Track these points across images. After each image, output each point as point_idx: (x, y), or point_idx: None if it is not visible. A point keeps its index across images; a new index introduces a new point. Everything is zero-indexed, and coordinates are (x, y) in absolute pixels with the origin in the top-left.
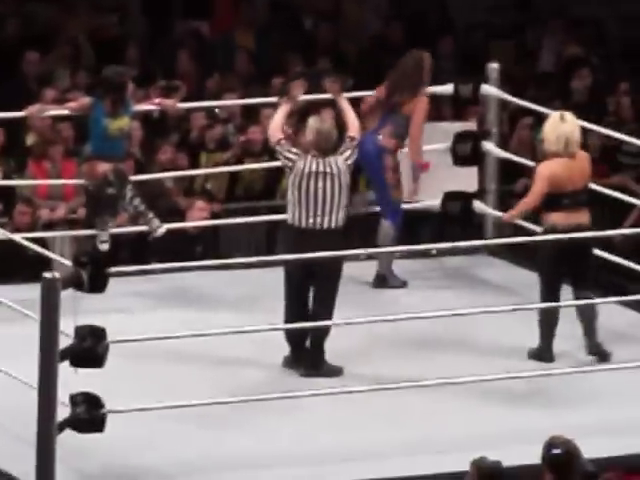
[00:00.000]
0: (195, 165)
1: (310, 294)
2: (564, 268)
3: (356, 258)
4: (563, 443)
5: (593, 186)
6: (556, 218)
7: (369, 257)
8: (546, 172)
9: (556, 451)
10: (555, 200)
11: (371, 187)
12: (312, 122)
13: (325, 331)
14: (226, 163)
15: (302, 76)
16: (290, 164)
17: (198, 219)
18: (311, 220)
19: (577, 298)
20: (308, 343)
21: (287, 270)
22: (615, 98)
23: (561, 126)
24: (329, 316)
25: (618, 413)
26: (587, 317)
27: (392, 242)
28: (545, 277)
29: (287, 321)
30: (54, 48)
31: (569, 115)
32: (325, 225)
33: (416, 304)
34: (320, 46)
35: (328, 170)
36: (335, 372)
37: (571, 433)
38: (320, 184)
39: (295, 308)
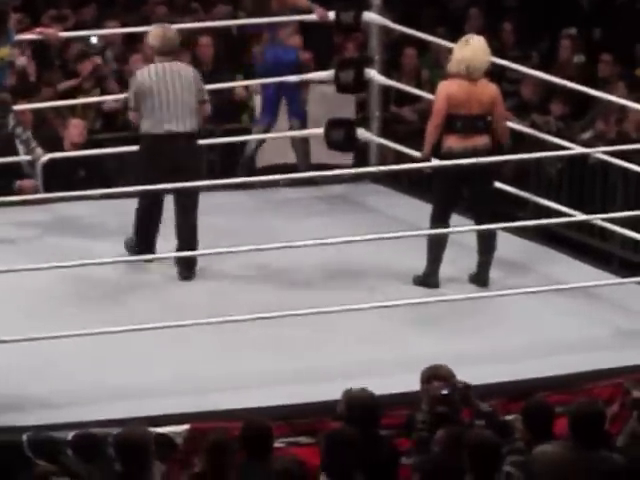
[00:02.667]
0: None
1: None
2: (457, 192)
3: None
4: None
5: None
6: (452, 141)
7: None
8: (444, 91)
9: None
10: (450, 122)
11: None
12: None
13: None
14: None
15: None
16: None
17: (76, 136)
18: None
19: (476, 224)
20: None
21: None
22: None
23: (464, 49)
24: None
25: (502, 340)
26: (484, 245)
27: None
28: (436, 200)
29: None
30: None
31: (475, 39)
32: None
33: (300, 233)
34: None
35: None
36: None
37: (455, 360)
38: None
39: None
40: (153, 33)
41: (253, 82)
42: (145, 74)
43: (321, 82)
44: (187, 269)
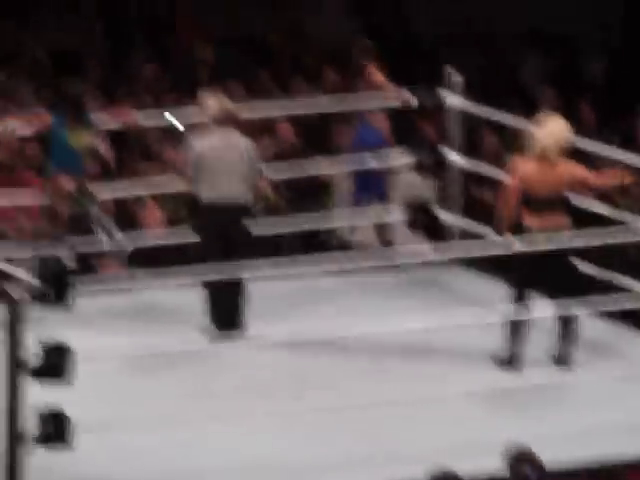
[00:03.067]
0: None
1: None
2: (538, 273)
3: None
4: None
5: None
6: (530, 222)
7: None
8: (517, 169)
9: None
10: (527, 202)
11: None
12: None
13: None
14: None
15: None
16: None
17: (153, 220)
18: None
19: (556, 307)
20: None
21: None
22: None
23: (539, 130)
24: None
25: (585, 421)
26: (565, 327)
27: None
28: (517, 282)
29: None
30: (15, 64)
31: (550, 119)
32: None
33: (384, 316)
34: (280, 60)
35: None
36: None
37: (538, 441)
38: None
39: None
40: (209, 102)
41: (336, 164)
42: (201, 143)
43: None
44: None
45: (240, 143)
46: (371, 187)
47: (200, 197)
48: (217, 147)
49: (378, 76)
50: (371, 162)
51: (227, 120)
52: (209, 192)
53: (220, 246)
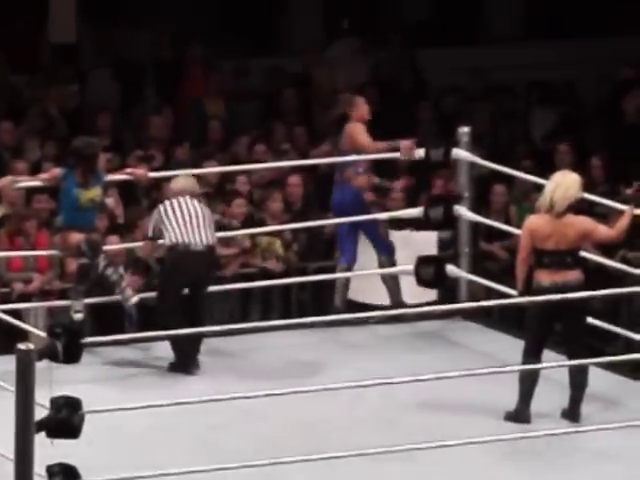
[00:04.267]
0: None
1: None
2: (549, 329)
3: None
4: None
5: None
6: (541, 277)
7: None
8: (528, 225)
9: None
10: (538, 257)
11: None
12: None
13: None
14: None
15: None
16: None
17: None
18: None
19: (568, 359)
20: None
21: None
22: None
23: (549, 184)
24: None
25: (595, 475)
26: (576, 381)
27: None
28: (528, 336)
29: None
30: (26, 119)
31: (559, 175)
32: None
33: (392, 369)
34: (290, 113)
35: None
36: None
37: None
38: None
39: None
40: (177, 180)
41: (330, 222)
42: (166, 204)
43: (402, 227)
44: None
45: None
46: (373, 244)
47: (167, 242)
48: (181, 204)
49: (365, 140)
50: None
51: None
52: (176, 238)
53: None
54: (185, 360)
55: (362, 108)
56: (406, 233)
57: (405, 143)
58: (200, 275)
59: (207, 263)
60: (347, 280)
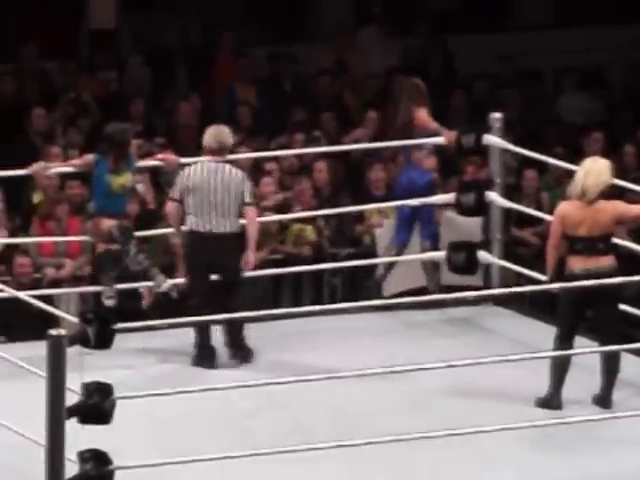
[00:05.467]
0: None
1: None
2: (582, 315)
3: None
4: None
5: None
6: (573, 263)
7: None
8: (559, 212)
9: None
10: (570, 244)
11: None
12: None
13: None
14: None
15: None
16: None
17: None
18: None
19: (600, 346)
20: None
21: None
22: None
23: (579, 171)
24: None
25: (626, 461)
26: (608, 367)
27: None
28: (560, 323)
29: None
30: (58, 105)
31: (589, 161)
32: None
33: (424, 355)
34: (322, 99)
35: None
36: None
37: None
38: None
39: None
40: (207, 132)
41: (379, 205)
42: (191, 171)
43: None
44: (238, 348)
45: (234, 175)
46: (421, 228)
47: (188, 225)
48: (206, 177)
49: (424, 117)
50: (417, 203)
51: (221, 149)
52: (196, 223)
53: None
54: (202, 350)
55: (425, 93)
56: (451, 215)
57: (451, 135)
58: (218, 262)
59: (226, 250)
60: (391, 266)
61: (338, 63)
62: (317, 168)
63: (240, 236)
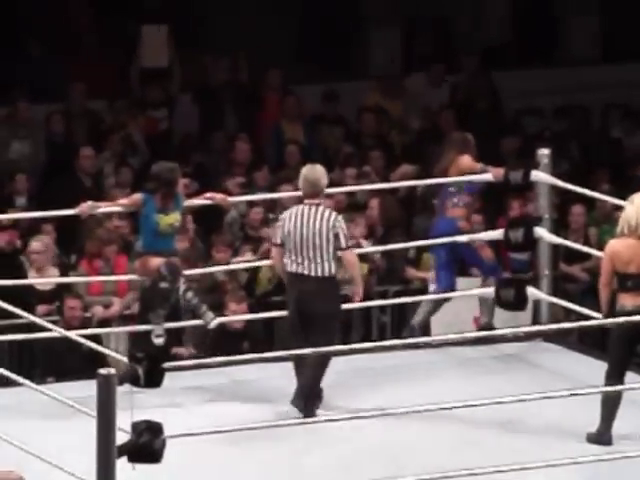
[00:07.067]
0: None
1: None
2: (633, 351)
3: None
4: None
5: None
6: (625, 300)
7: None
8: (609, 250)
9: None
10: (621, 281)
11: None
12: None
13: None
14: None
15: None
16: None
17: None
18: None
19: None
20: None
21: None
22: None
23: (627, 207)
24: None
25: None
26: None
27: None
28: (611, 358)
29: None
30: (107, 145)
31: (637, 197)
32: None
33: (472, 391)
34: (367, 138)
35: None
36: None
37: None
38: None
39: None
40: (301, 173)
41: (415, 244)
42: (287, 215)
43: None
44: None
45: (326, 218)
46: (477, 268)
47: (285, 269)
48: (299, 220)
49: (467, 161)
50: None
51: (313, 194)
52: (290, 266)
53: (300, 318)
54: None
55: (473, 147)
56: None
57: (498, 172)
58: (307, 305)
59: (314, 293)
60: (435, 307)
61: (378, 106)
62: (371, 205)
63: (333, 279)
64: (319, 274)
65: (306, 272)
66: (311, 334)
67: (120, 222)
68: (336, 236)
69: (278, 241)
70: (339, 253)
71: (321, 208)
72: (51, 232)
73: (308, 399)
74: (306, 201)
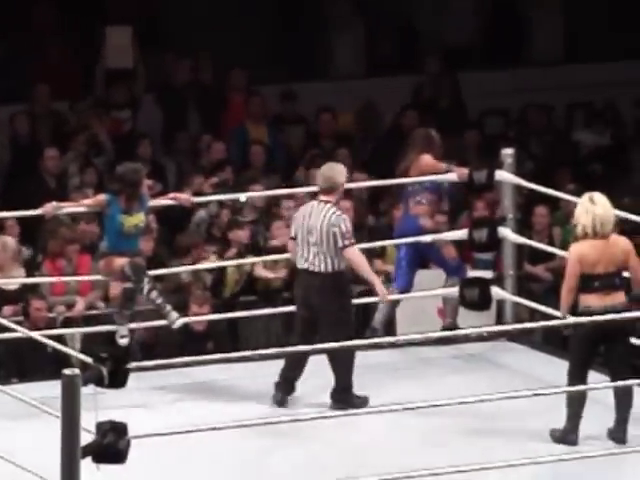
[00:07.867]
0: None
1: None
2: (596, 350)
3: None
4: None
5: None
6: (590, 300)
7: None
8: (574, 254)
9: None
10: (587, 282)
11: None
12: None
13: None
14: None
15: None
16: None
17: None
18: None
19: (612, 381)
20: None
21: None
22: None
23: (591, 207)
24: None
25: None
26: (622, 403)
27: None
28: (574, 358)
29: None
30: (72, 145)
31: (598, 196)
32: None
33: (434, 391)
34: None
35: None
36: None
37: None
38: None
39: None
40: (320, 169)
41: (377, 244)
42: (300, 210)
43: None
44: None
45: (325, 216)
46: (442, 268)
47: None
48: (306, 217)
49: (429, 160)
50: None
51: (328, 190)
52: (298, 261)
53: (304, 315)
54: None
55: (437, 144)
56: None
57: (462, 172)
58: (310, 299)
59: (317, 288)
60: (393, 304)
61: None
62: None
63: (337, 275)
64: (322, 270)
65: (311, 267)
66: (319, 329)
67: (87, 226)
68: (334, 234)
69: (292, 234)
70: (342, 251)
71: (328, 205)
72: (15, 232)
73: (346, 393)
74: (319, 197)
